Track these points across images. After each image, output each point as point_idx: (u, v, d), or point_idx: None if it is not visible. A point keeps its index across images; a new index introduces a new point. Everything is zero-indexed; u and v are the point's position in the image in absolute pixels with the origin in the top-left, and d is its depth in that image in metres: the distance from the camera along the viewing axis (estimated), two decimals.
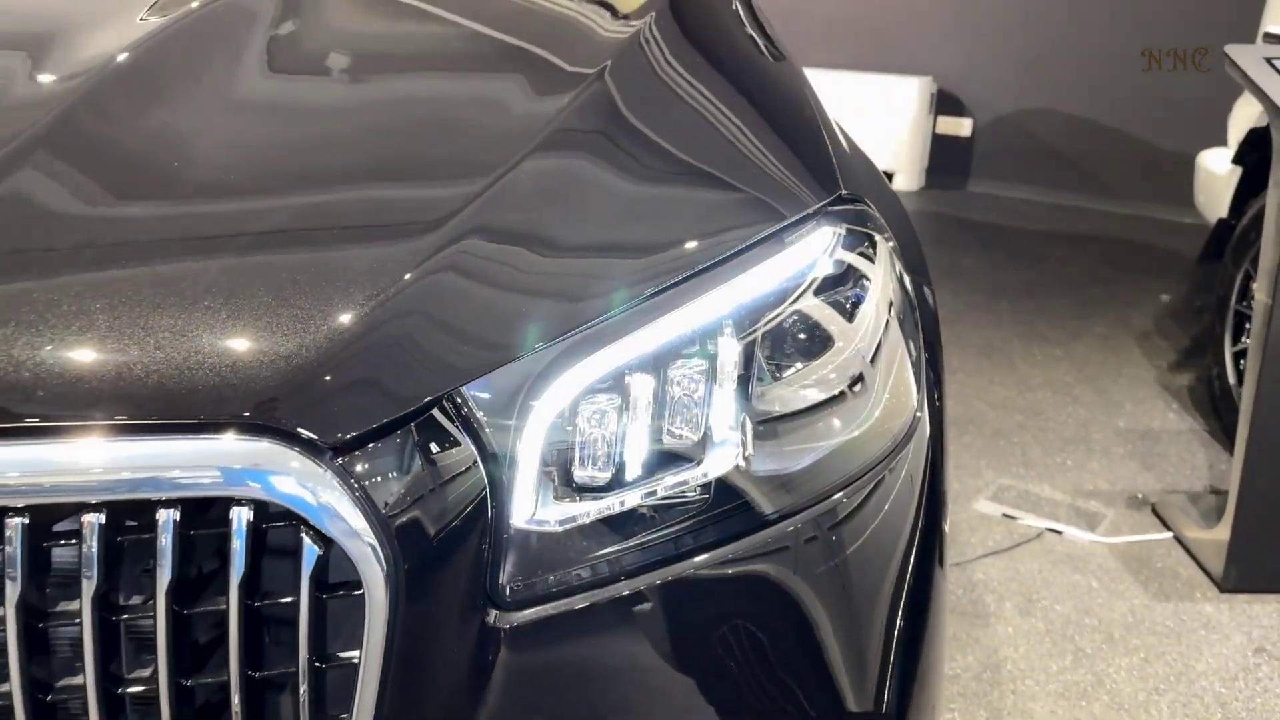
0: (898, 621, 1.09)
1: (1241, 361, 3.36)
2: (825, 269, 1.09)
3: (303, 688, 0.80)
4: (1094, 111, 6.27)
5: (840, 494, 1.05)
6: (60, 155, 0.94)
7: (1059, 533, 3.00)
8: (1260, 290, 2.65)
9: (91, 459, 0.74)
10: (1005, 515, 3.08)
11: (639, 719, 0.93)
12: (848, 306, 1.11)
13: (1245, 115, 3.54)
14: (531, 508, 0.90)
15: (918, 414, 1.16)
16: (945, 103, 6.59)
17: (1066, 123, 6.36)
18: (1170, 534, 2.98)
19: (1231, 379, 3.43)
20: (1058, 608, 2.67)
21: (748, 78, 1.52)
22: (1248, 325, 3.29)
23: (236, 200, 0.95)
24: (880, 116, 6.33)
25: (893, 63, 6.47)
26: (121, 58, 1.11)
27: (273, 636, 0.83)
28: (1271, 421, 2.63)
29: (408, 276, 0.87)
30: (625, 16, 1.55)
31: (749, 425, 0.99)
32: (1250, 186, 3.44)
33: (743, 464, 0.98)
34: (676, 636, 0.95)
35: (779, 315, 1.04)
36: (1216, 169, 3.68)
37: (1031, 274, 5.17)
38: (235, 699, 0.78)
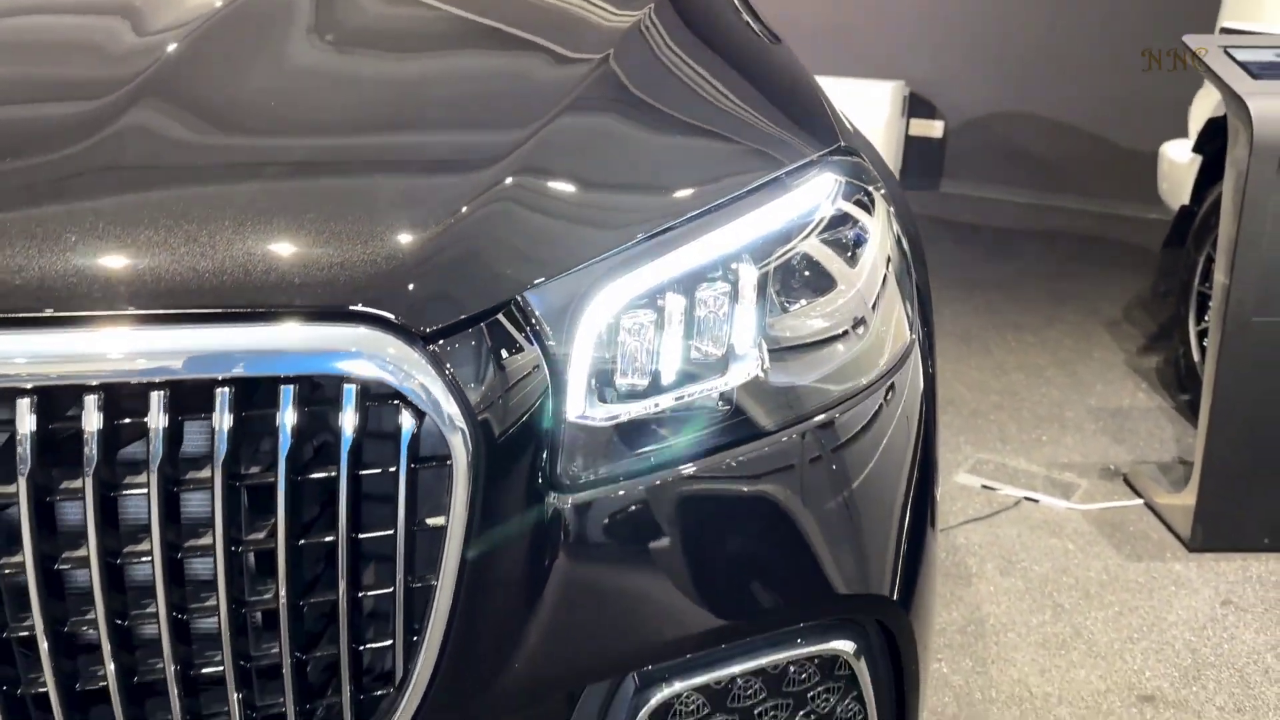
0: (905, 518, 1.23)
1: (1205, 340, 3.54)
2: (828, 212, 1.23)
3: (399, 549, 0.92)
4: (1061, 113, 6.47)
5: (845, 404, 1.19)
6: (173, 96, 1.08)
7: (1036, 501, 3.15)
8: (1219, 271, 2.81)
9: (222, 342, 0.87)
10: (984, 486, 3.23)
11: (675, 587, 1.06)
12: (849, 253, 1.26)
13: (1204, 107, 3.72)
14: (582, 406, 1.03)
15: (912, 337, 1.30)
16: (917, 105, 6.78)
17: (1035, 124, 6.55)
18: (1141, 501, 3.14)
19: (1196, 357, 3.60)
20: (1036, 568, 2.82)
21: (748, 54, 1.67)
22: (1210, 306, 3.47)
23: (324, 138, 1.10)
24: (855, 119, 6.50)
25: (866, 67, 6.65)
26: (208, 21, 1.26)
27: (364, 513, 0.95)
28: (1232, 392, 2.79)
29: (474, 202, 1.01)
30: (625, 8, 1.68)
31: (764, 345, 1.13)
32: (1210, 174, 3.61)
33: (761, 375, 1.12)
34: (706, 521, 1.08)
35: (789, 251, 1.18)
36: (1178, 158, 3.86)
37: (1005, 268, 5.34)
38: (341, 560, 0.91)
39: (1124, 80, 6.10)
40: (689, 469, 1.08)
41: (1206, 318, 3.54)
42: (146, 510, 0.88)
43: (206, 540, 0.90)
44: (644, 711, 1.08)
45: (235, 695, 0.95)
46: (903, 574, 1.22)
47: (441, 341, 0.93)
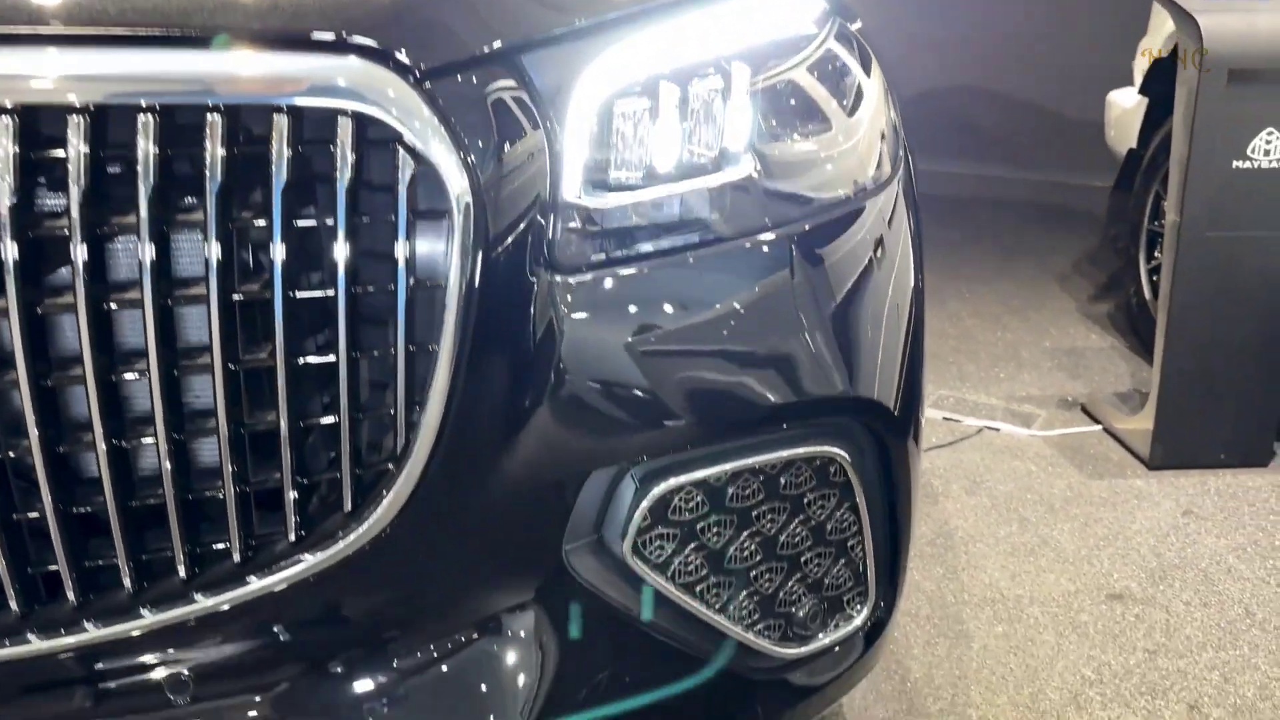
0: (898, 341, 1.23)
1: (1155, 277, 3.59)
2: (819, 36, 1.24)
3: (400, 305, 0.90)
4: (1009, 87, 6.57)
5: (836, 212, 1.19)
6: None
7: (997, 430, 3.18)
8: (1171, 208, 2.85)
9: (217, 68, 0.83)
10: (946, 418, 3.25)
11: (670, 377, 1.05)
12: (845, 100, 1.26)
13: (1147, 53, 3.79)
14: (579, 190, 1.02)
15: (900, 173, 1.32)
16: None
17: (983, 98, 6.65)
18: (1100, 426, 3.18)
19: (1148, 294, 3.66)
20: (1001, 487, 2.84)
21: None
22: (1159, 243, 3.53)
23: None
24: None
25: None
26: None
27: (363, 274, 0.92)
28: (1187, 310, 2.83)
29: None
30: None
31: (755, 152, 1.12)
32: (1155, 116, 3.68)
33: (754, 175, 1.11)
34: (700, 312, 1.08)
35: (782, 72, 1.17)
36: (1125, 103, 3.93)
37: (956, 231, 5.41)
38: (341, 313, 0.88)
39: (1068, 55, 6.22)
40: (683, 259, 1.07)
41: (1157, 254, 3.60)
42: (134, 256, 0.85)
43: (199, 290, 0.87)
44: (643, 506, 1.07)
45: (230, 468, 0.92)
46: (899, 391, 1.22)
47: (437, 84, 0.90)
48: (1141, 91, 3.75)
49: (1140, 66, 3.91)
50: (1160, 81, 3.64)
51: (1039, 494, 2.80)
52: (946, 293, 4.39)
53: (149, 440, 0.91)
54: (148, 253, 0.84)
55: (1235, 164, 2.72)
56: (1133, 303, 3.77)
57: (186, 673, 0.95)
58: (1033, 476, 2.90)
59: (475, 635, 1.03)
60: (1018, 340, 3.90)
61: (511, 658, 1.04)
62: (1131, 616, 2.27)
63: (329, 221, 0.88)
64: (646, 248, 1.06)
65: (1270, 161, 2.72)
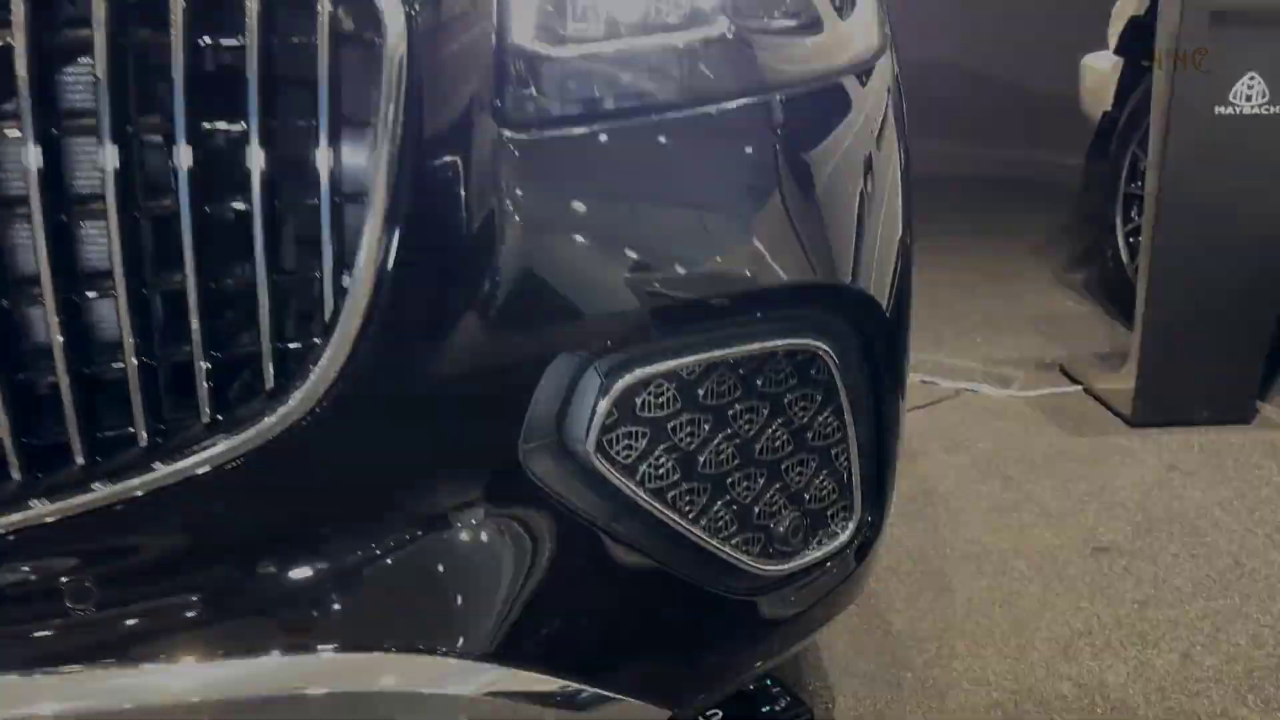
0: (886, 230, 1.14)
1: (1132, 239, 3.53)
2: None
3: (321, 144, 0.79)
4: (978, 65, 6.53)
5: (819, 86, 1.09)
6: None
7: (975, 392, 3.10)
8: (1152, 160, 2.77)
9: None
10: (923, 381, 3.16)
11: (632, 250, 0.94)
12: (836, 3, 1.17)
13: (1124, 11, 3.72)
14: (532, 32, 0.91)
15: (888, 47, 1.22)
16: None
17: (953, 76, 6.60)
18: (1080, 387, 3.10)
19: (1125, 257, 3.59)
20: (981, 446, 2.75)
21: None
22: (1136, 205, 3.47)
23: None
24: None
25: None
26: None
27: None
28: (1167, 265, 2.76)
29: None
30: None
31: (730, 15, 1.02)
32: (1132, 76, 3.61)
33: (729, 36, 1.01)
34: (665, 180, 0.97)
35: None
36: (1100, 66, 3.86)
37: (929, 205, 5.31)
38: (254, 141, 0.77)
39: (1037, 33, 6.18)
40: (647, 122, 0.96)
41: (1134, 215, 3.54)
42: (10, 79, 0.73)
43: (88, 121, 0.75)
44: (608, 399, 0.96)
45: (131, 340, 0.80)
46: (892, 286, 1.13)
47: None
48: (1117, 52, 3.68)
49: (1116, 25, 3.84)
50: (1137, 41, 3.57)
51: (1020, 452, 2.72)
52: (922, 263, 4.29)
53: (37, 307, 0.79)
54: (24, 75, 0.72)
55: (1217, 110, 2.65)
56: (1110, 267, 3.70)
57: (84, 575, 0.84)
58: (1013, 435, 2.81)
59: (420, 533, 0.91)
60: (994, 307, 3.83)
61: (473, 558, 0.93)
62: (1119, 569, 2.18)
63: (238, 41, 0.76)
64: (607, 106, 0.95)
65: (1253, 107, 2.65)
